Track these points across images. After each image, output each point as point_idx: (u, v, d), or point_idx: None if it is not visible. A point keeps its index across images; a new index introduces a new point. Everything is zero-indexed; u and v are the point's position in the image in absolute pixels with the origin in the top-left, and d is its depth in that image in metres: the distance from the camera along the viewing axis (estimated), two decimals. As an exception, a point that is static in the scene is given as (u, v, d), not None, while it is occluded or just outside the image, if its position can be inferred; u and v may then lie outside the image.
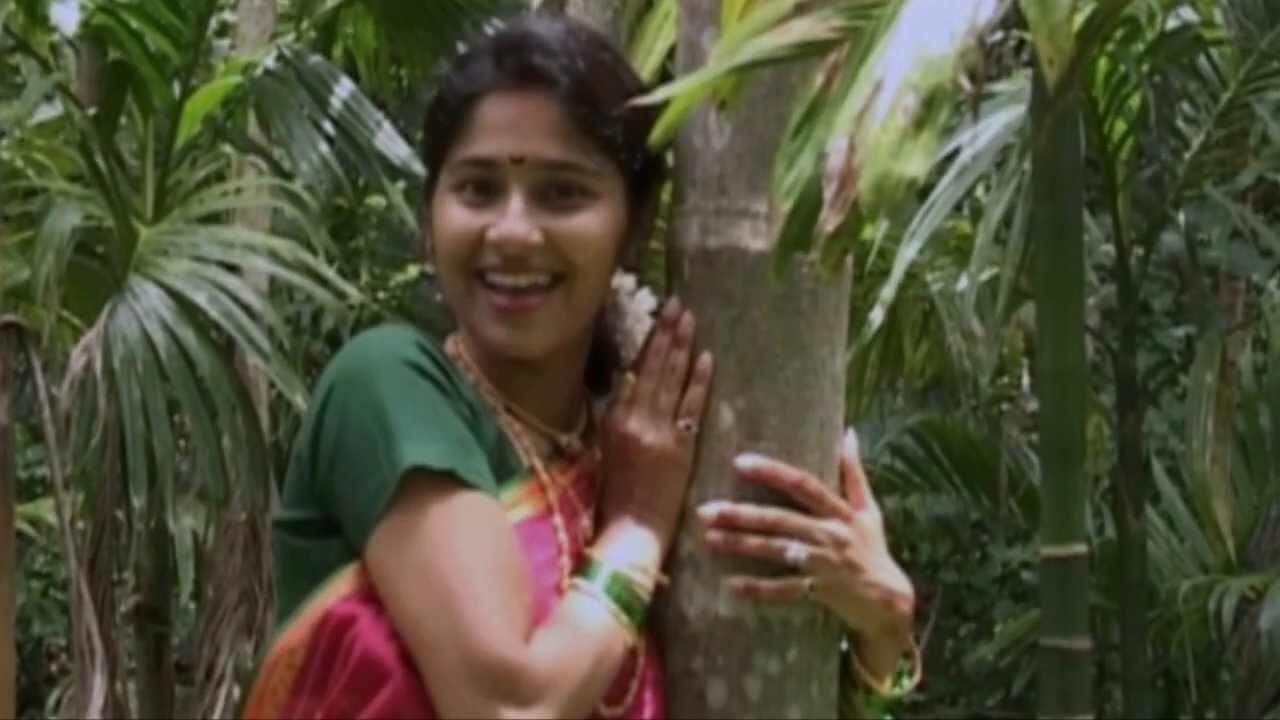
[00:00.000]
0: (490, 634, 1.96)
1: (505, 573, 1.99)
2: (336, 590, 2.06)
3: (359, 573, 2.05)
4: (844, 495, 2.17)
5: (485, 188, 2.11)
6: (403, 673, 2.01)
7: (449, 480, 1.99)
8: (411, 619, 2.00)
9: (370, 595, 2.04)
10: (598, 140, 2.10)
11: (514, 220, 2.08)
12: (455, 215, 2.12)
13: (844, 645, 2.22)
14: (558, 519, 2.12)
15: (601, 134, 2.10)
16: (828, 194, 1.54)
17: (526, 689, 1.96)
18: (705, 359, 2.13)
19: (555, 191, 2.10)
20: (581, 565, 2.09)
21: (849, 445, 2.20)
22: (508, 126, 2.10)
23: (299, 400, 4.87)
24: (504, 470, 2.10)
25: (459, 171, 2.12)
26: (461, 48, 6.06)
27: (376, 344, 2.10)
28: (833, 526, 2.12)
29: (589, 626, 2.03)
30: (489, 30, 5.91)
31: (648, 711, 2.12)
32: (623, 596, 2.06)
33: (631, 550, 2.10)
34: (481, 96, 2.12)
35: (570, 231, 2.09)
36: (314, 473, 2.07)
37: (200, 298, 4.93)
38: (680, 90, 1.69)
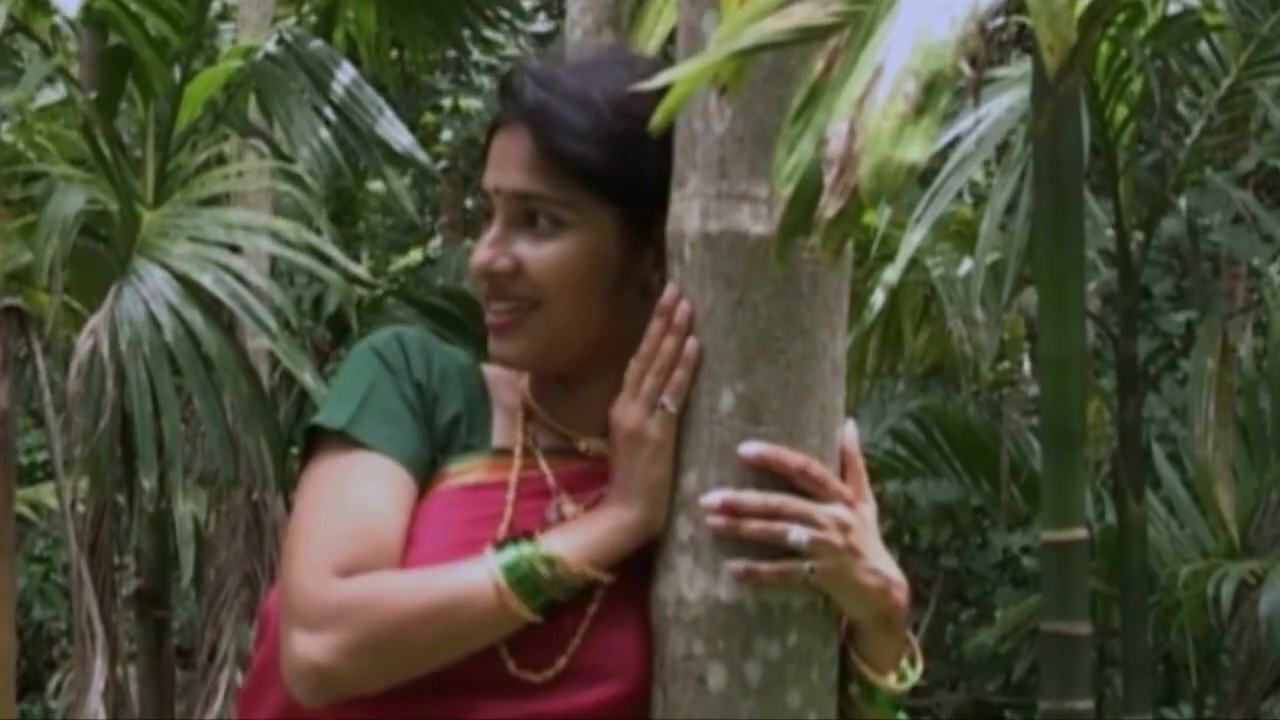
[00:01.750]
0: (302, 564, 2.11)
1: (349, 516, 2.13)
2: None
3: None
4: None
5: (491, 217, 2.27)
6: (276, 629, 2.18)
7: (342, 439, 2.18)
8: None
9: None
10: (565, 171, 2.19)
11: (482, 248, 2.24)
12: (478, 243, 2.29)
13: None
14: (510, 493, 2.20)
15: (567, 166, 2.19)
16: (828, 179, 1.54)
17: (316, 615, 2.08)
18: (691, 343, 2.15)
19: (530, 219, 2.22)
20: (511, 538, 2.14)
21: (850, 436, 2.21)
22: (495, 160, 2.26)
23: (307, 379, 4.88)
24: (460, 445, 2.23)
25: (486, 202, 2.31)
26: (464, 33, 6.11)
27: (367, 338, 2.29)
28: (836, 511, 2.12)
29: (444, 580, 2.10)
30: (488, 14, 5.96)
31: (584, 696, 2.14)
32: (524, 575, 2.10)
33: (572, 535, 2.14)
34: (492, 133, 2.29)
35: (537, 258, 2.21)
36: None
37: (205, 279, 4.93)
38: (681, 75, 1.70)
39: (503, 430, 2.26)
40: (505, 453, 2.23)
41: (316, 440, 2.20)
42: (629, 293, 2.23)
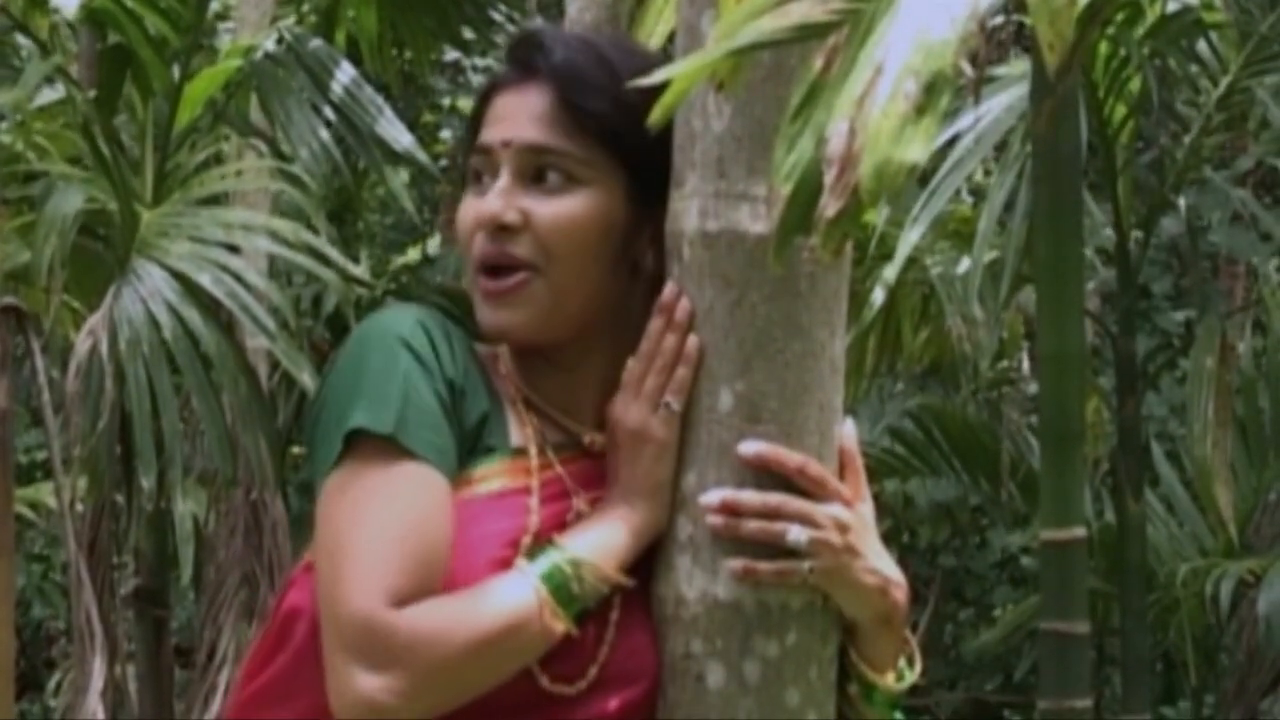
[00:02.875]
0: (358, 592, 2.00)
1: (406, 538, 2.02)
2: (306, 557, 2.16)
3: None
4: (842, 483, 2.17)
5: (491, 176, 2.19)
6: (306, 635, 2.09)
7: (389, 445, 2.06)
8: (318, 566, 2.07)
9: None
10: (585, 128, 2.17)
11: (492, 198, 2.17)
12: (464, 204, 2.21)
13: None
14: (534, 499, 2.14)
15: (588, 123, 2.16)
16: (828, 179, 1.54)
17: (382, 652, 1.99)
18: (692, 341, 2.14)
19: (540, 175, 2.17)
20: (537, 546, 2.11)
21: (848, 435, 2.21)
22: (504, 116, 2.20)
23: (305, 379, 4.87)
24: (482, 447, 2.15)
25: (471, 162, 2.23)
26: (466, 32, 6.10)
27: (383, 318, 2.17)
28: (835, 510, 2.12)
29: (497, 602, 2.04)
30: (494, 16, 5.95)
31: (611, 702, 2.12)
32: (561, 585, 2.07)
33: (593, 539, 2.11)
34: (492, 94, 2.23)
35: (549, 214, 2.16)
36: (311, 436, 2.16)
37: (204, 278, 4.92)
38: (678, 72, 1.70)
39: (515, 427, 2.19)
40: (521, 453, 2.17)
41: (355, 441, 2.07)
42: (623, 268, 2.21)
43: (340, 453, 2.07)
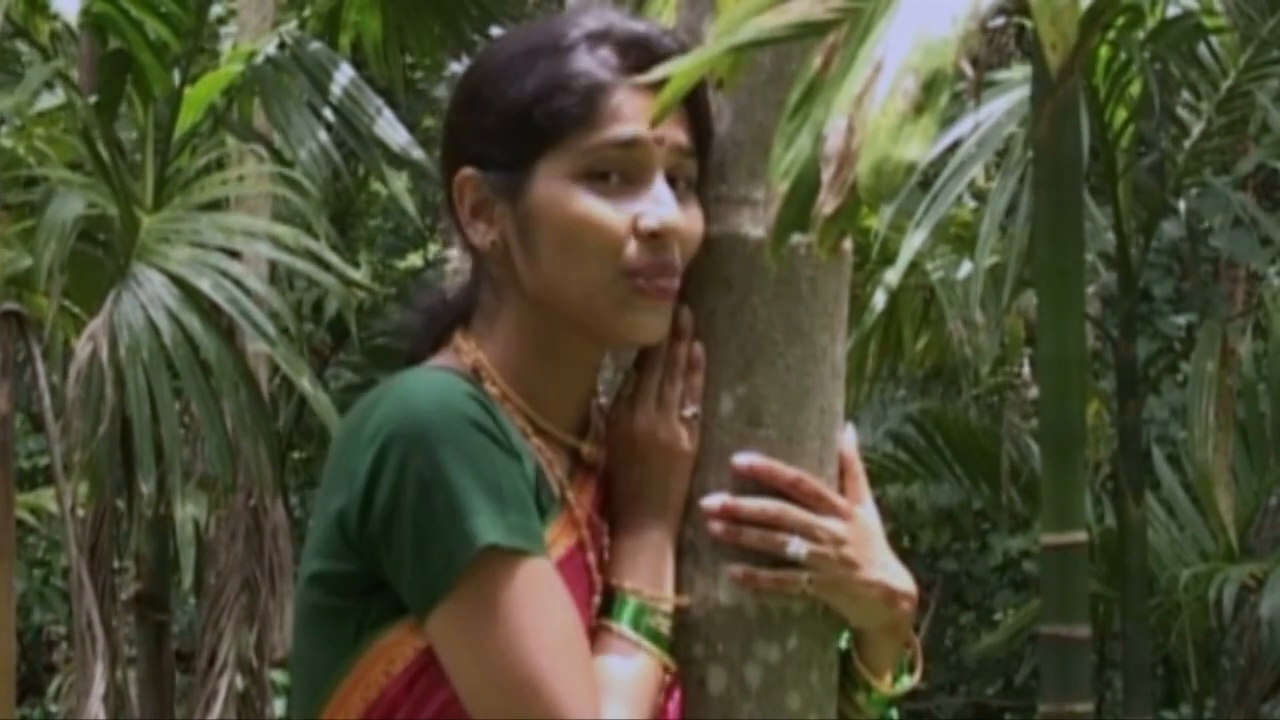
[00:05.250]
0: (569, 710, 1.95)
1: (574, 642, 1.99)
2: (383, 664, 2.03)
3: (403, 641, 2.02)
4: (842, 490, 2.16)
5: (624, 176, 2.06)
6: None
7: (519, 555, 1.96)
8: (488, 699, 1.98)
9: (416, 666, 2.02)
10: (703, 142, 2.11)
11: (669, 207, 2.05)
12: (594, 206, 2.05)
13: (844, 645, 2.22)
14: (590, 555, 2.11)
15: (705, 136, 2.11)
16: (826, 176, 1.53)
17: None
18: (697, 347, 2.12)
19: (678, 181, 2.08)
20: (607, 600, 2.08)
21: (848, 440, 2.19)
22: (636, 114, 2.04)
23: (305, 384, 4.87)
24: (540, 505, 2.05)
25: (592, 157, 2.05)
26: (474, 37, 6.07)
27: (430, 397, 2.00)
28: (830, 523, 2.10)
29: (638, 679, 2.04)
30: (491, 26, 5.91)
31: (670, 707, 2.11)
32: (652, 630, 2.06)
33: (651, 572, 2.09)
34: (612, 87, 2.06)
35: (689, 224, 2.08)
36: (361, 528, 1.99)
37: (204, 284, 4.93)
38: (678, 69, 1.69)
39: (546, 471, 2.10)
40: (562, 501, 2.11)
41: (481, 557, 1.95)
42: None
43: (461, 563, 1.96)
